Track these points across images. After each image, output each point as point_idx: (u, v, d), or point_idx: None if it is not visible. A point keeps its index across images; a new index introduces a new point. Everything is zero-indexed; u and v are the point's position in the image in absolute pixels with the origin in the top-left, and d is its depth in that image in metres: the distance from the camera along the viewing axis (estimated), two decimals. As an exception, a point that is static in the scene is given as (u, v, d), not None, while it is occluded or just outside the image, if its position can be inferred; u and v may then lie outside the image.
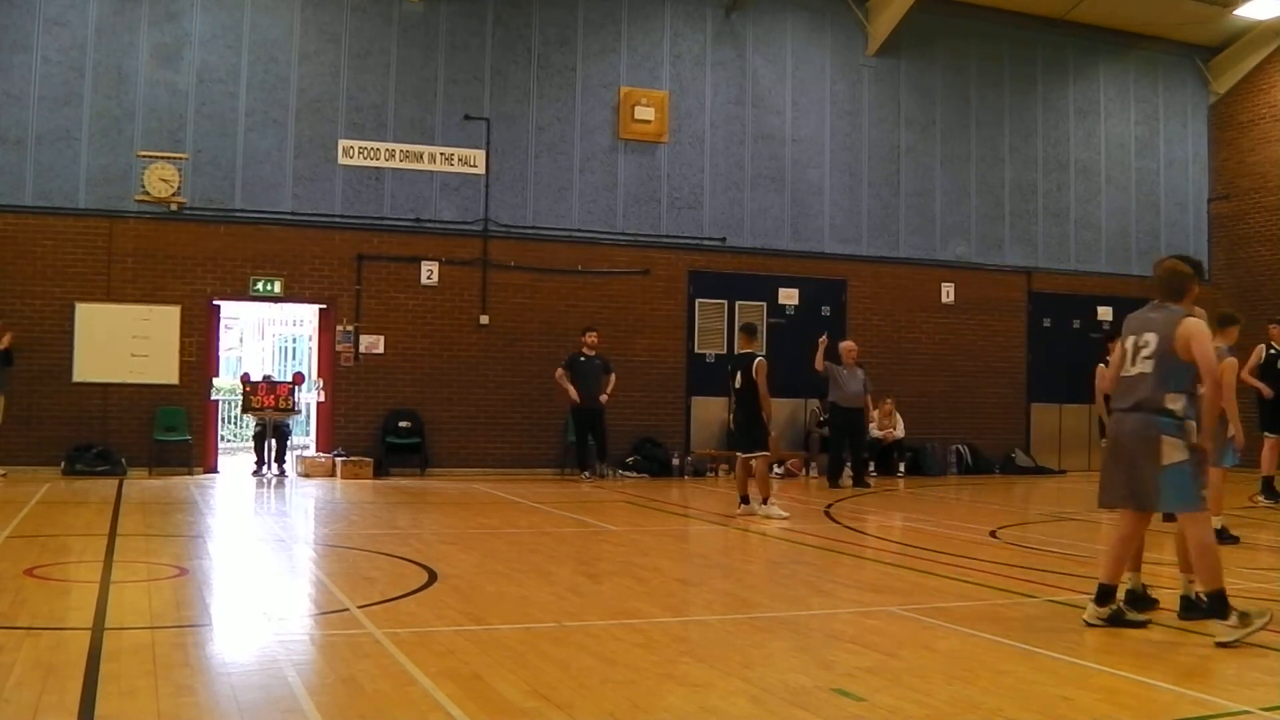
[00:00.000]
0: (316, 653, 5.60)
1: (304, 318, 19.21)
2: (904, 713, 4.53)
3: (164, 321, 15.69)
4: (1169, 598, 6.64)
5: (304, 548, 9.62)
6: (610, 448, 17.15)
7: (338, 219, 16.45)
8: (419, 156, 16.77)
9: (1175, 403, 5.96)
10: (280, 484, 15.23)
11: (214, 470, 16.16)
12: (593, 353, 16.48)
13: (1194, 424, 5.97)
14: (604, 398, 16.43)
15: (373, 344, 16.53)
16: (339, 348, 16.46)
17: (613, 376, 16.54)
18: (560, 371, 16.32)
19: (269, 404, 16.03)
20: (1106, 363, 12.29)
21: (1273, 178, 20.43)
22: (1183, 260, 6.37)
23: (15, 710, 4.31)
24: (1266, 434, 13.09)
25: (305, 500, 13.39)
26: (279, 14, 16.39)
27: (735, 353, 15.10)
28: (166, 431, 15.51)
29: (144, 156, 15.60)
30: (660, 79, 18.07)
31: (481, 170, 17.02)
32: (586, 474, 16.37)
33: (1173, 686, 5.01)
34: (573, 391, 16.17)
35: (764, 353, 12.24)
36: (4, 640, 5.40)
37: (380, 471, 16.01)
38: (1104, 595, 6.15)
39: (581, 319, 17.05)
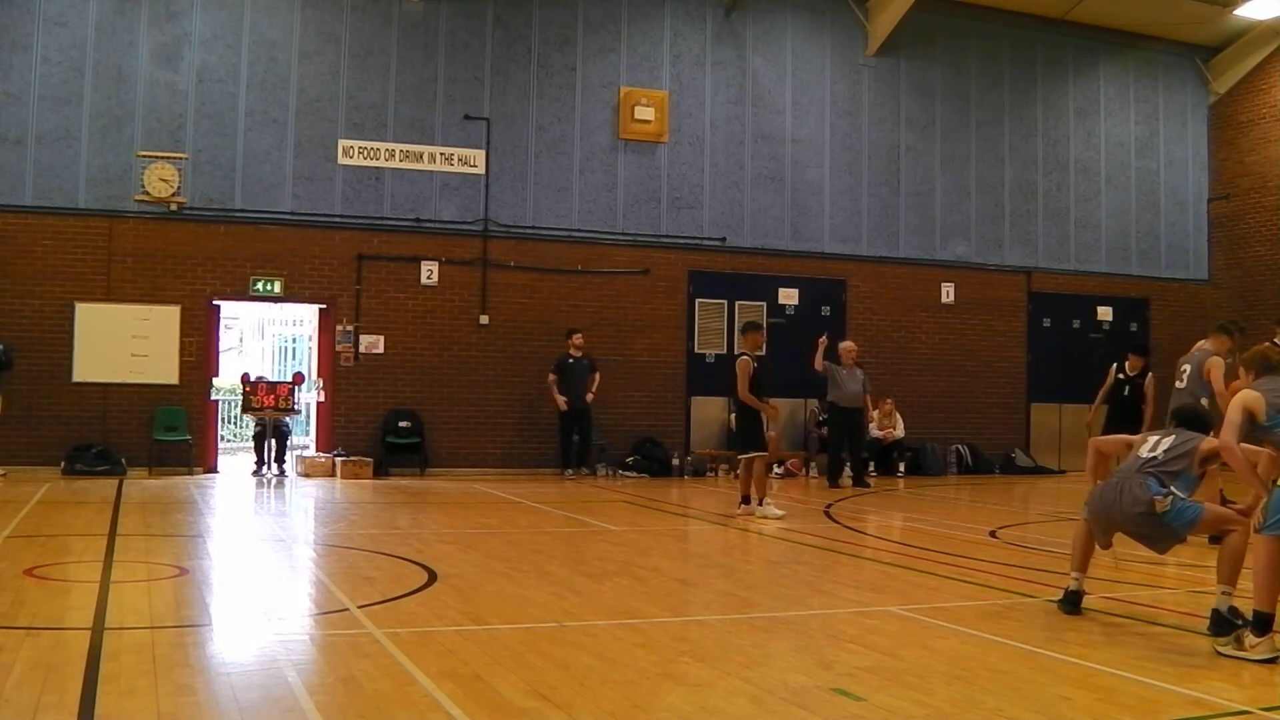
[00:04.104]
0: (316, 653, 5.60)
1: (304, 318, 19.20)
2: (904, 713, 4.53)
3: (164, 321, 15.69)
4: (1168, 598, 6.63)
5: (304, 548, 9.61)
6: (610, 448, 17.20)
7: (338, 219, 16.45)
8: (419, 156, 16.77)
9: None
10: (280, 484, 15.23)
11: (214, 470, 16.16)
12: (580, 354, 16.52)
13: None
14: (589, 396, 16.49)
15: (373, 344, 16.53)
16: (339, 348, 16.46)
17: (597, 375, 16.60)
18: (552, 377, 16.36)
19: (269, 404, 16.04)
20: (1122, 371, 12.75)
21: (1273, 178, 20.43)
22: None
23: (15, 710, 4.31)
24: None
25: (305, 500, 13.38)
26: (279, 14, 16.39)
27: (735, 352, 15.20)
28: (166, 431, 15.51)
29: (144, 156, 15.60)
30: (660, 79, 18.07)
31: (481, 170, 17.02)
32: (569, 471, 16.41)
33: (1173, 686, 5.00)
34: (561, 401, 16.26)
35: (761, 351, 12.27)
36: (4, 640, 5.40)
37: (380, 471, 16.02)
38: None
39: (582, 319, 17.07)
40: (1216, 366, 10.28)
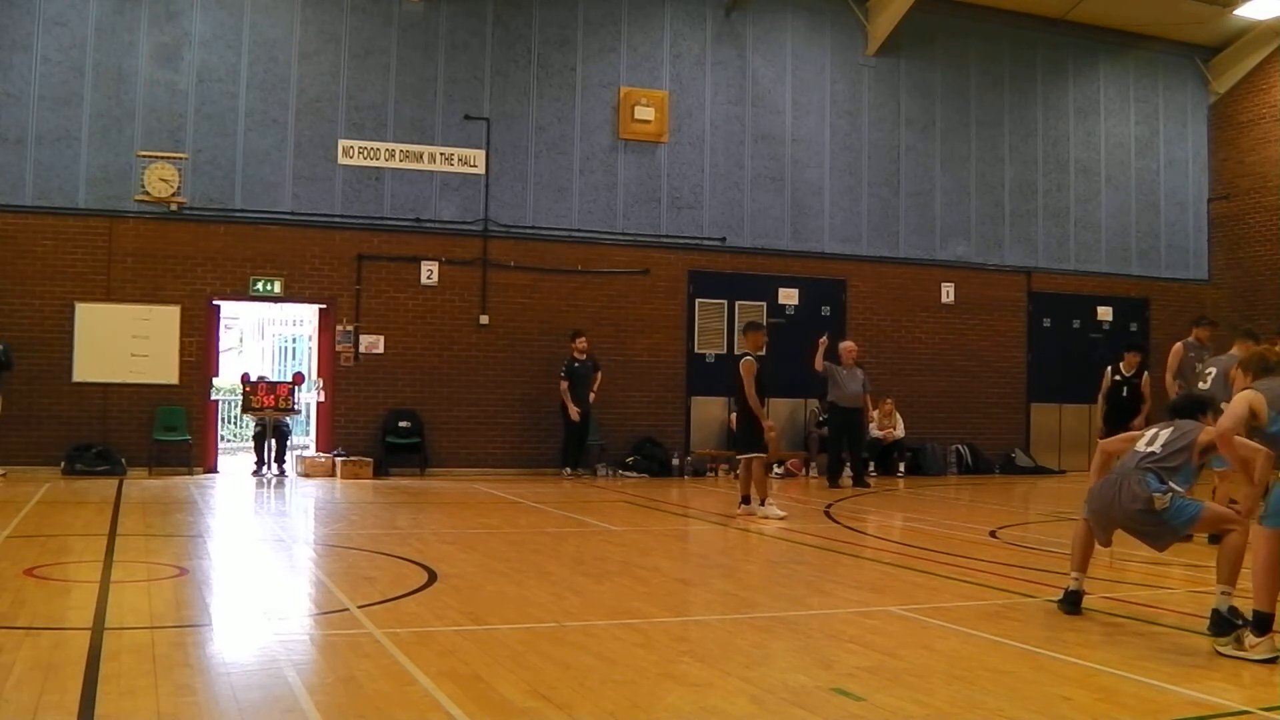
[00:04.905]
0: (316, 653, 5.60)
1: (304, 318, 19.20)
2: (904, 713, 4.53)
3: (164, 321, 15.69)
4: (1168, 598, 6.63)
5: (304, 548, 9.61)
6: (610, 448, 17.22)
7: (338, 219, 16.45)
8: (419, 156, 16.77)
9: None
10: (280, 484, 15.23)
11: (214, 470, 16.16)
12: (584, 357, 16.55)
13: None
14: (592, 396, 16.56)
15: (373, 344, 16.53)
16: (339, 348, 16.46)
17: (599, 374, 16.67)
18: (565, 384, 16.35)
19: (269, 404, 16.04)
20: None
21: (1273, 178, 20.43)
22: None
23: (15, 710, 4.31)
24: None
25: (305, 500, 13.38)
26: (279, 14, 16.39)
27: (736, 352, 15.25)
28: (166, 431, 15.51)
29: (144, 156, 15.60)
30: (660, 79, 18.06)
31: (481, 170, 17.02)
32: (568, 471, 16.45)
33: (1173, 686, 5.00)
34: (574, 412, 16.28)
35: (762, 351, 12.25)
36: (4, 640, 5.40)
37: (380, 471, 16.01)
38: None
39: (582, 319, 17.08)
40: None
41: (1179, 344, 11.90)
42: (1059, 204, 20.46)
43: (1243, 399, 5.90)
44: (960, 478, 18.51)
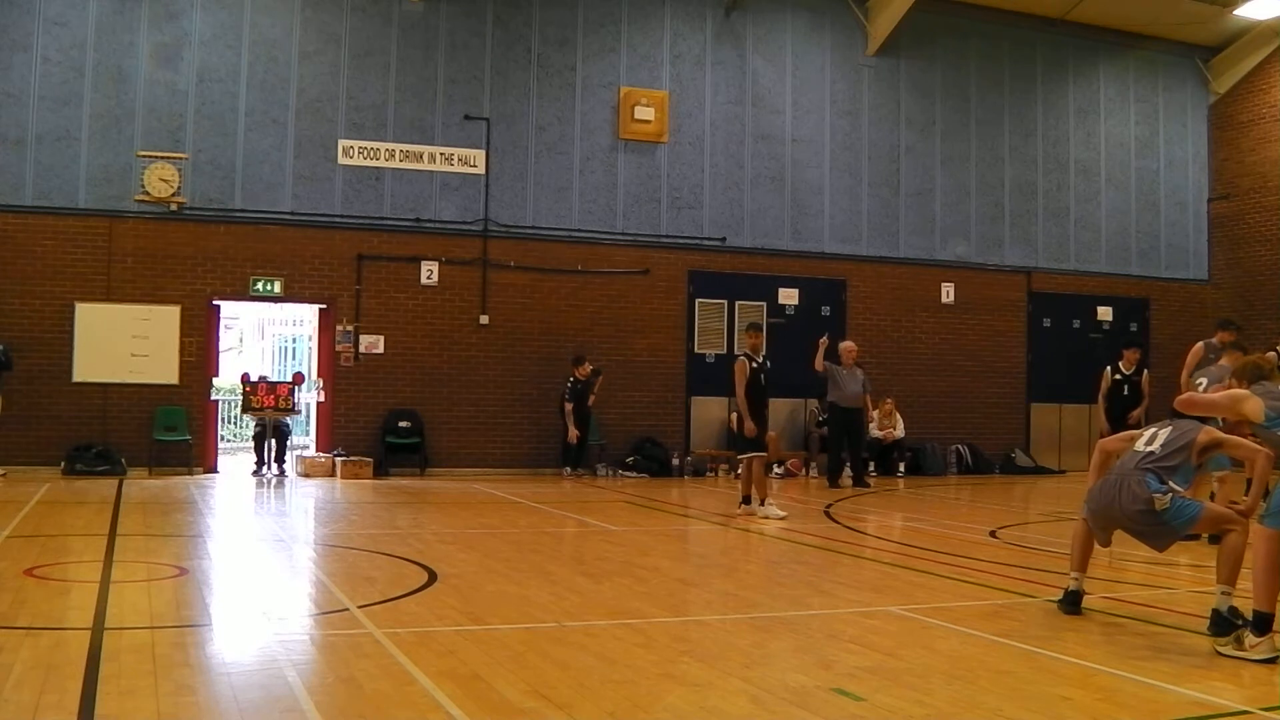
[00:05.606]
0: (316, 653, 5.59)
1: (304, 318, 19.20)
2: (904, 713, 4.53)
3: (164, 321, 15.69)
4: (1168, 598, 6.63)
5: (304, 548, 9.61)
6: (610, 448, 17.23)
7: (338, 219, 16.45)
8: (419, 156, 16.77)
9: None
10: (280, 484, 15.23)
11: (214, 470, 16.16)
12: (586, 377, 16.59)
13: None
14: (592, 399, 16.64)
15: (373, 344, 16.53)
16: (339, 348, 16.46)
17: (600, 378, 16.73)
18: (569, 406, 16.37)
19: (269, 404, 16.04)
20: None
21: (1273, 178, 20.43)
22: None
23: (15, 710, 4.31)
24: None
25: (305, 500, 13.38)
26: (279, 14, 16.39)
27: (735, 352, 15.26)
28: (166, 431, 15.51)
29: (144, 156, 15.60)
30: (660, 79, 18.06)
31: (481, 170, 17.02)
32: (568, 470, 16.52)
33: (1173, 686, 5.00)
34: (574, 435, 16.38)
35: (764, 351, 12.23)
36: (4, 640, 5.40)
37: (380, 471, 16.02)
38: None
39: (582, 319, 17.10)
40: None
41: (1200, 343, 11.79)
42: (1059, 204, 20.46)
43: (1232, 394, 5.96)
44: (960, 478, 18.52)
